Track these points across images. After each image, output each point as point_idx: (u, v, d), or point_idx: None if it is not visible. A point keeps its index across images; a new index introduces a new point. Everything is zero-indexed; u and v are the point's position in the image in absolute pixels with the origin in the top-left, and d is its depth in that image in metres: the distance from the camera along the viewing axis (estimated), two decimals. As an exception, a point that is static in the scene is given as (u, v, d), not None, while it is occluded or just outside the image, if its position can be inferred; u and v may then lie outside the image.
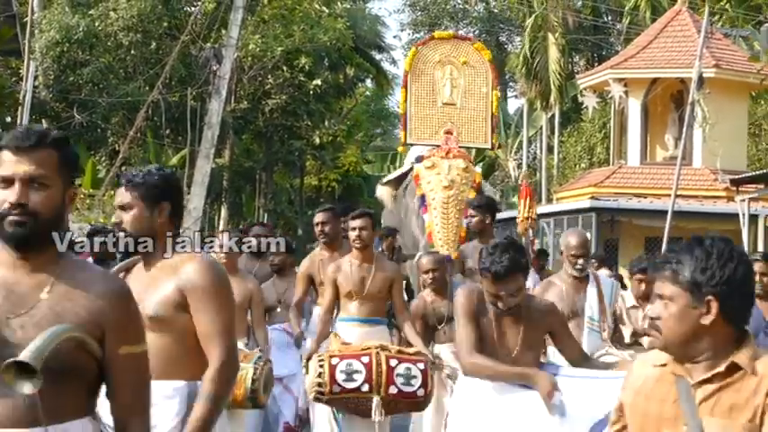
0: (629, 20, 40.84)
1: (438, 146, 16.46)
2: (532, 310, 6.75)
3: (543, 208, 29.20)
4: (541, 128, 42.75)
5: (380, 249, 14.09)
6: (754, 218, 22.93)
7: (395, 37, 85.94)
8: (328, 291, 9.75)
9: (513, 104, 54.90)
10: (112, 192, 27.76)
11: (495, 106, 17.50)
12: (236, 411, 8.80)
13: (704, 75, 22.18)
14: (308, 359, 8.96)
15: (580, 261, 8.97)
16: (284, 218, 42.54)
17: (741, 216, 21.97)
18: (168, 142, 35.16)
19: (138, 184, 5.06)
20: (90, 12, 32.02)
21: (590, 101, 32.25)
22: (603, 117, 37.64)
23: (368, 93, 55.01)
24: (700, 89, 21.50)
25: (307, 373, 8.96)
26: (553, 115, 41.60)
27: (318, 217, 10.96)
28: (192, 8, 35.25)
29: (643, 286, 10.21)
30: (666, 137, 28.10)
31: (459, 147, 16.51)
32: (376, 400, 8.58)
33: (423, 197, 15.90)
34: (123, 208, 5.10)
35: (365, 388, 8.61)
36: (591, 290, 9.04)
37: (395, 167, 48.70)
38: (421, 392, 8.69)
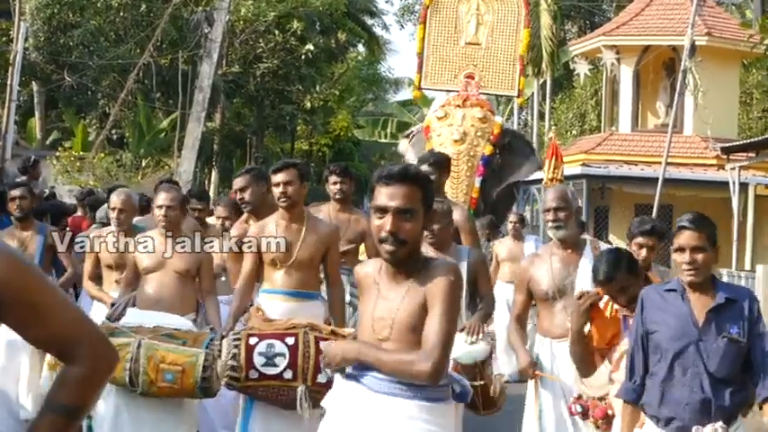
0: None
1: (457, 92, 14.61)
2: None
3: (533, 175, 29.22)
4: (533, 94, 42.71)
5: None
6: (744, 186, 22.96)
7: (387, 2, 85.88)
8: (249, 257, 8.30)
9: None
10: (102, 155, 27.75)
11: (525, 46, 15.43)
12: (186, 401, 8.04)
13: (696, 43, 22.18)
14: (223, 338, 7.60)
15: (559, 215, 7.42)
16: (275, 182, 42.48)
17: (731, 184, 22.00)
18: (159, 105, 35.12)
19: None
20: (80, -27, 31.92)
21: (582, 68, 32.25)
22: (595, 84, 37.63)
23: (359, 58, 54.91)
24: (691, 57, 21.49)
25: (219, 354, 7.52)
26: (545, 82, 41.55)
27: (236, 182, 9.68)
28: (184, -30, 35.12)
29: (644, 252, 7.86)
30: (658, 104, 28.10)
31: (481, 93, 14.70)
32: (301, 389, 7.23)
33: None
34: None
35: (288, 375, 7.27)
36: (584, 263, 7.34)
37: (386, 132, 48.70)
38: None
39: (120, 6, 32.96)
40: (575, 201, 7.62)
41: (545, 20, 37.40)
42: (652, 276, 7.05)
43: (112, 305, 8.74)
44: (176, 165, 30.09)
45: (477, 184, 13.97)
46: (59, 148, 29.23)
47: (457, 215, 8.95)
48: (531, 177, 25.19)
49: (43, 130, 36.13)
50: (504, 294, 13.98)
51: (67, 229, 12.80)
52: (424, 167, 9.14)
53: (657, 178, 20.57)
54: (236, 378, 7.32)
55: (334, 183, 10.06)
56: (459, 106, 14.30)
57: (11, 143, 26.98)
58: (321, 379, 7.08)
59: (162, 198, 8.53)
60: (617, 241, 21.86)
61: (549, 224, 7.52)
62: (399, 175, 4.70)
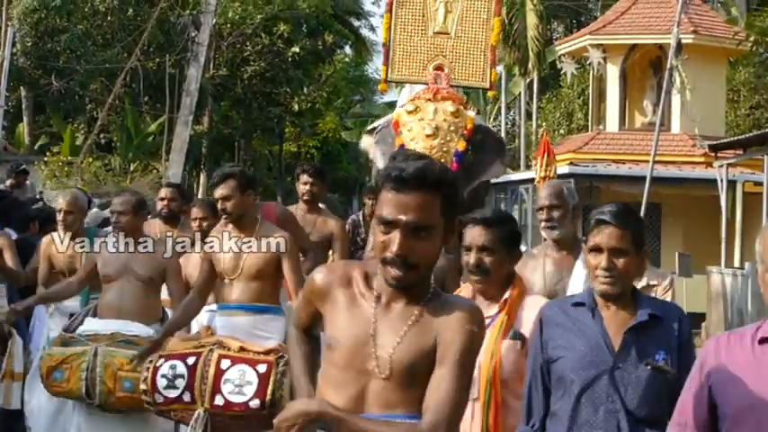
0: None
1: (425, 84, 13.20)
2: None
3: (521, 174, 29.29)
4: (520, 94, 42.72)
5: (362, 214, 12.80)
6: (732, 183, 22.98)
7: (373, 3, 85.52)
8: (202, 269, 7.70)
9: (492, 71, 54.77)
10: (91, 159, 27.75)
11: (496, 35, 13.66)
12: (146, 415, 7.62)
13: (682, 40, 22.21)
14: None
15: (553, 214, 6.71)
16: (263, 185, 42.58)
17: (719, 182, 22.04)
18: (146, 109, 35.11)
19: None
20: (67, -22, 31.95)
21: (569, 67, 32.28)
22: (582, 83, 37.67)
23: (347, 59, 54.96)
24: (678, 55, 21.53)
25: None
26: (531, 81, 41.55)
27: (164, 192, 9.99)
28: (170, -26, 35.17)
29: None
30: (645, 103, 28.12)
31: (451, 86, 13.26)
32: (198, 413, 6.73)
33: (402, 147, 12.11)
34: None
35: (187, 397, 6.80)
36: (579, 266, 6.52)
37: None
38: (255, 404, 6.64)
39: (107, 11, 33.00)
40: (571, 198, 6.92)
41: (531, 19, 37.41)
42: (518, 284, 5.39)
43: (71, 315, 8.30)
44: (165, 168, 30.08)
45: (450, 180, 13.46)
46: (48, 153, 29.22)
47: None
48: (518, 177, 25.24)
49: (31, 135, 36.10)
50: None
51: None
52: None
53: (645, 177, 20.60)
54: (149, 402, 6.94)
55: (305, 183, 9.76)
56: (429, 100, 12.82)
57: (-1, 149, 27.00)
58: (218, 401, 6.67)
59: (113, 203, 8.20)
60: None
61: (543, 224, 6.80)
62: (416, 179, 3.51)
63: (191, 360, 6.83)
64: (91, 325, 7.88)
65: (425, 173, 3.50)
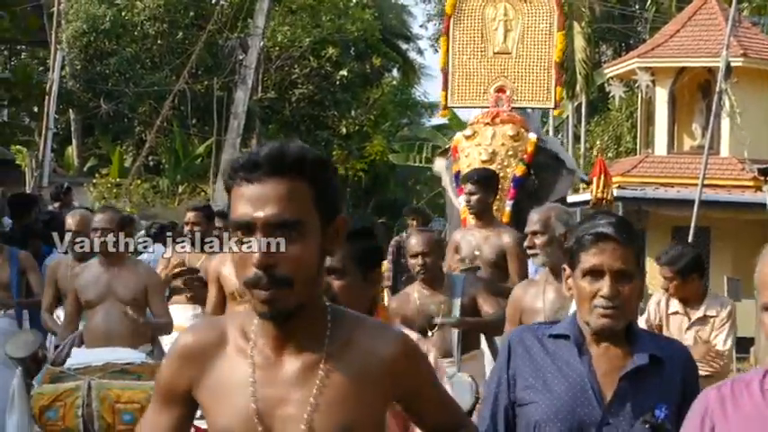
0: (656, 8, 40.63)
1: (487, 108, 13.18)
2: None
3: (570, 197, 29.11)
4: (568, 117, 42.55)
5: (406, 235, 12.18)
6: (781, 207, 22.75)
7: (421, 26, 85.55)
8: (212, 290, 7.39)
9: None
10: (139, 181, 27.90)
11: (560, 51, 13.62)
12: None
13: (732, 64, 22.04)
14: None
15: (535, 240, 6.46)
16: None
17: (769, 205, 21.81)
18: (194, 132, 35.26)
19: None
20: (116, 2, 32.26)
21: (617, 90, 32.11)
22: (631, 106, 37.48)
23: (394, 83, 55.00)
24: (727, 78, 21.36)
25: None
26: (580, 104, 41.39)
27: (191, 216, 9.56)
28: (219, -3, 35.47)
29: (672, 287, 7.45)
30: (694, 126, 27.94)
31: (514, 108, 13.22)
32: None
33: (458, 175, 12.21)
34: None
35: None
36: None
37: (421, 157, 48.69)
38: None
39: (156, 34, 33.21)
40: (559, 224, 6.45)
41: (579, 42, 37.29)
42: (381, 313, 4.72)
43: (56, 347, 7.87)
44: (213, 191, 30.18)
45: (509, 208, 12.52)
46: (96, 175, 29.41)
47: (507, 238, 8.28)
48: (578, 198, 25.04)
49: (80, 158, 36.36)
50: None
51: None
52: (469, 186, 8.29)
53: (694, 200, 20.42)
54: None
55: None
56: (488, 124, 12.88)
57: (48, 171, 27.19)
58: None
59: (96, 221, 7.71)
60: (653, 264, 21.71)
61: (529, 249, 6.56)
62: (272, 162, 2.62)
63: None
64: (79, 357, 7.47)
65: (284, 152, 2.62)
